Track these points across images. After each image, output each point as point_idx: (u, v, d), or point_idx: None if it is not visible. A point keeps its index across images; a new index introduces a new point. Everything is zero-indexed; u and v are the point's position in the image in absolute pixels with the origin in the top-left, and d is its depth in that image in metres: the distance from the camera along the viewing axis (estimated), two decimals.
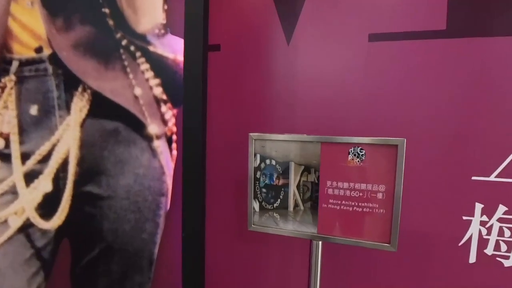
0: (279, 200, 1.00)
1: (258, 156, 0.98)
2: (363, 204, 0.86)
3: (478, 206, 0.96)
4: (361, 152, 0.86)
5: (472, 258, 0.98)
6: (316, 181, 0.93)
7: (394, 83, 1.05)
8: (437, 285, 1.03)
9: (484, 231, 0.96)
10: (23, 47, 0.94)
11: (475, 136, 0.96)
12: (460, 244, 0.96)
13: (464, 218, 0.95)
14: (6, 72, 0.95)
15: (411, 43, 1.03)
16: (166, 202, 0.94)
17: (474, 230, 0.98)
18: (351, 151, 0.87)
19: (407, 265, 1.07)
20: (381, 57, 1.07)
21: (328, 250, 0.98)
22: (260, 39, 1.18)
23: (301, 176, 0.96)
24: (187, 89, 0.87)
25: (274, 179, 1.00)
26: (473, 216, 0.96)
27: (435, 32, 0.98)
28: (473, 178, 0.96)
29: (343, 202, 0.88)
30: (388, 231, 0.83)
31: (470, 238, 0.94)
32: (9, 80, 0.94)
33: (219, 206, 1.08)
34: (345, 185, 0.88)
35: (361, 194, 0.86)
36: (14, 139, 0.95)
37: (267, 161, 0.99)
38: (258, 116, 1.17)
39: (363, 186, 0.86)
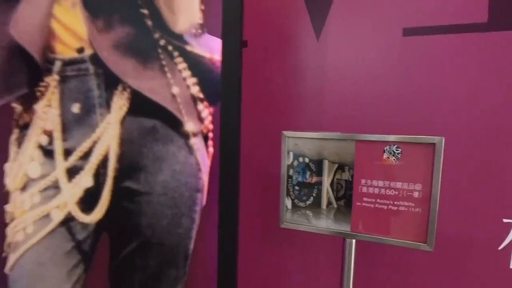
0: (312, 198, 1.00)
1: (291, 153, 0.98)
2: (398, 203, 0.85)
3: None
4: (397, 150, 0.85)
5: None
6: (350, 179, 0.93)
7: (430, 79, 1.04)
8: None
9: None
10: (66, 48, 0.96)
11: None
12: (500, 248, 0.94)
13: (505, 220, 0.93)
14: (49, 72, 0.97)
15: (448, 37, 1.00)
16: (202, 198, 0.95)
17: None
18: (386, 149, 0.86)
19: (442, 267, 1.06)
20: (416, 52, 1.05)
21: (361, 249, 0.96)
22: (288, 35, 1.18)
23: (334, 174, 0.96)
24: (224, 87, 0.88)
25: (307, 177, 1.01)
26: None
27: (475, 25, 0.95)
28: None
29: (378, 200, 0.87)
30: (425, 230, 0.82)
31: (511, 242, 0.93)
32: (52, 79, 0.97)
33: (250, 203, 1.10)
34: (380, 183, 0.87)
35: (396, 192, 0.85)
36: (57, 136, 0.97)
37: (300, 159, 0.99)
38: (289, 113, 1.18)
39: (399, 184, 0.85)
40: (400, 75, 1.08)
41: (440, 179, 0.79)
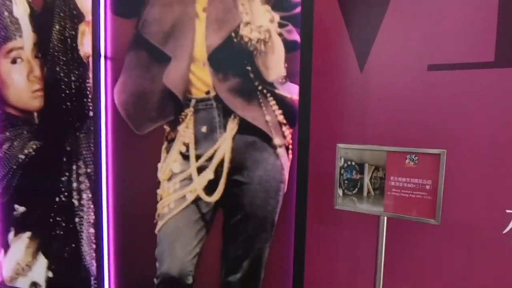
0: (356, 188, 1.37)
1: (342, 159, 1.37)
2: (416, 193, 1.21)
3: None
4: (415, 158, 1.21)
5: None
6: (383, 176, 1.28)
7: (446, 105, 1.35)
8: (480, 261, 1.32)
9: None
10: (198, 91, 1.39)
11: None
12: (504, 232, 1.23)
13: (508, 211, 1.22)
14: (187, 106, 1.40)
15: (464, 72, 1.32)
16: (284, 187, 1.36)
17: None
18: (408, 157, 1.23)
19: (453, 244, 1.38)
20: (436, 83, 1.39)
21: (390, 225, 1.29)
22: (335, 67, 1.52)
23: (372, 172, 1.32)
24: (300, 116, 1.33)
25: (353, 174, 1.38)
26: None
27: (483, 63, 1.27)
28: None
29: (402, 191, 1.23)
30: (434, 210, 1.17)
31: None
32: (190, 111, 1.40)
33: (315, 191, 1.44)
34: (403, 179, 1.23)
35: (414, 185, 1.20)
36: (192, 146, 1.40)
37: (349, 162, 1.37)
38: (340, 130, 1.52)
39: (416, 180, 1.21)
40: (422, 101, 1.39)
41: (444, 177, 1.12)
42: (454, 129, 1.36)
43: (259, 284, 1.40)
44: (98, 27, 1.50)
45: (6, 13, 2.01)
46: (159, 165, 1.50)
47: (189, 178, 1.45)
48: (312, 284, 1.49)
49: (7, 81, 2.04)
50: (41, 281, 2.11)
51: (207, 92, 1.40)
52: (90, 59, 1.84)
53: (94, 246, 1.99)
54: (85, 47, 1.88)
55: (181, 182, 1.46)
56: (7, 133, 2.10)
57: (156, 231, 1.53)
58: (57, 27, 1.94)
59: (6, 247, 2.18)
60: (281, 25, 1.30)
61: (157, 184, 1.51)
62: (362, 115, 1.54)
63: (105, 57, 1.48)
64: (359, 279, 1.55)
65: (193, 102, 1.42)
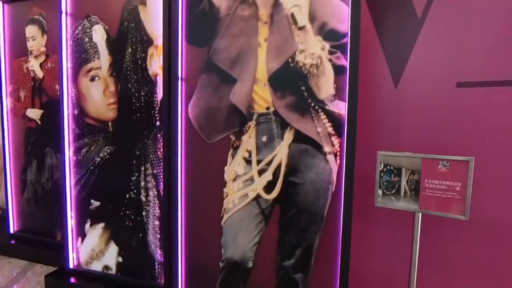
0: (394, 189, 1.53)
1: (382, 163, 1.55)
2: (447, 193, 1.35)
3: None
4: (447, 164, 1.36)
5: None
6: (418, 179, 1.42)
7: (475, 118, 1.53)
8: (506, 254, 1.51)
9: None
10: (259, 107, 1.58)
11: None
12: None
13: None
14: (250, 119, 1.59)
15: (490, 89, 1.50)
16: (332, 187, 1.52)
17: None
18: (440, 163, 1.38)
19: (480, 239, 1.55)
20: (465, 99, 1.55)
21: (423, 221, 1.45)
22: (373, 85, 1.72)
23: (408, 175, 1.49)
24: (347, 128, 1.53)
25: (392, 177, 1.56)
26: None
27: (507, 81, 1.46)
28: None
29: (435, 191, 1.37)
30: (463, 208, 1.31)
31: None
32: (252, 123, 1.59)
33: (359, 191, 1.60)
34: (436, 181, 1.38)
35: (446, 187, 1.35)
36: (254, 152, 1.59)
37: (388, 167, 1.54)
38: (380, 138, 1.70)
39: (448, 182, 1.36)
40: (452, 115, 1.56)
41: (472, 180, 1.28)
42: (482, 139, 1.52)
43: (310, 269, 1.60)
44: (175, 53, 1.75)
45: (86, 39, 2.29)
46: (226, 168, 1.70)
47: (251, 179, 1.64)
48: (355, 269, 1.68)
49: (87, 96, 2.32)
50: (112, 265, 2.35)
51: (267, 108, 1.59)
52: (159, 78, 2.09)
53: (158, 236, 2.22)
54: (153, 67, 2.14)
55: (244, 182, 1.66)
56: (86, 139, 2.36)
57: (222, 223, 1.73)
58: (129, 50, 2.21)
59: (83, 235, 2.42)
60: (331, 52, 1.50)
61: (224, 184, 1.72)
62: (398, 126, 1.72)
63: (181, 78, 1.74)
64: (396, 267, 1.73)
65: (255, 116, 1.62)
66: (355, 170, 1.50)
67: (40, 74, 2.85)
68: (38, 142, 2.91)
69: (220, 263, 1.71)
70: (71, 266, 2.41)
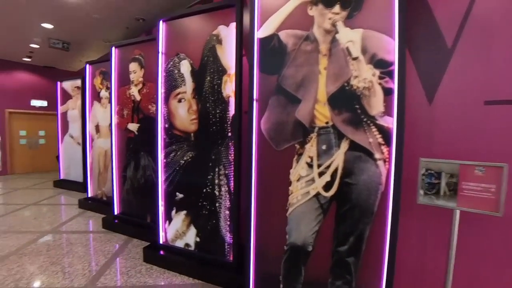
0: (434, 189, 1.50)
1: (424, 168, 1.51)
2: (483, 194, 1.37)
3: None
4: (483, 169, 1.39)
5: None
6: (457, 182, 1.43)
7: (507, 130, 1.50)
8: None
9: None
10: (320, 121, 1.68)
11: None
12: None
13: None
14: (312, 131, 1.69)
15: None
16: (381, 187, 1.57)
17: None
18: (476, 168, 1.40)
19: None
20: (492, 115, 1.54)
21: (461, 218, 1.47)
22: (410, 102, 1.71)
23: (448, 178, 1.46)
24: (396, 139, 1.51)
25: (433, 179, 1.51)
26: None
27: None
28: None
29: (471, 192, 1.40)
30: (497, 206, 1.32)
31: None
32: (314, 135, 1.69)
33: (405, 190, 1.63)
34: (473, 184, 1.41)
35: (482, 188, 1.37)
36: (315, 158, 1.70)
37: (429, 171, 1.51)
38: (423, 147, 1.68)
39: (483, 184, 1.38)
40: (484, 127, 1.55)
41: (506, 183, 1.30)
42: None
43: (361, 254, 1.58)
44: (251, 80, 1.80)
45: (176, 71, 2.43)
46: (291, 170, 1.80)
47: (312, 180, 1.71)
48: (399, 254, 1.62)
49: (175, 113, 2.46)
50: (192, 243, 2.47)
51: (327, 122, 1.67)
52: (231, 99, 2.14)
53: (228, 223, 2.26)
54: (226, 91, 2.21)
55: (306, 182, 1.73)
56: (173, 146, 2.50)
57: (287, 214, 1.82)
58: (208, 78, 2.32)
59: (170, 219, 2.57)
60: (380, 77, 1.50)
61: (289, 183, 1.79)
62: (434, 136, 1.66)
63: (256, 100, 1.77)
64: (434, 257, 1.66)
65: (316, 129, 1.70)
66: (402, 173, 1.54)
67: (138, 97, 3.06)
68: (135, 148, 3.11)
69: (285, 246, 1.74)
70: (161, 241, 2.51)
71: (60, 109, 5.59)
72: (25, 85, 7.33)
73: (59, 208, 4.34)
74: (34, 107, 7.47)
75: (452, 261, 1.57)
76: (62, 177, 5.76)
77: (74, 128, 5.35)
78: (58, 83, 5.60)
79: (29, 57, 6.65)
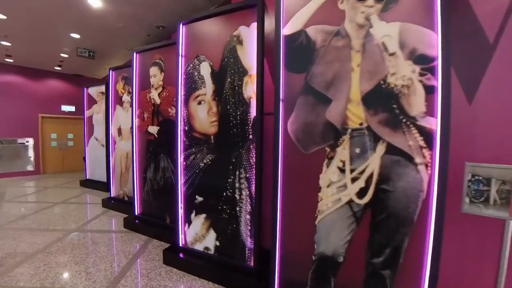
0: (483, 197, 1.28)
1: (470, 174, 1.28)
2: None
3: None
4: None
5: None
6: (509, 189, 1.20)
7: None
8: None
9: None
10: (353, 123, 1.49)
11: None
12: None
13: None
14: (344, 133, 1.51)
15: None
16: (423, 195, 1.36)
17: None
18: None
19: None
20: None
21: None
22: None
23: (499, 185, 1.23)
24: (440, 143, 1.27)
25: (481, 186, 1.29)
26: None
27: None
28: None
29: None
30: None
31: None
32: (346, 137, 1.51)
33: (449, 198, 1.35)
34: None
35: None
36: (347, 162, 1.51)
37: (476, 177, 1.29)
38: (469, 151, 1.46)
39: None
40: None
41: None
42: None
43: (398, 267, 1.35)
44: (277, 79, 1.60)
45: (195, 73, 2.27)
46: (321, 175, 1.61)
47: (344, 186, 1.53)
48: (442, 269, 1.39)
49: (195, 115, 2.31)
50: (211, 247, 2.30)
51: (361, 124, 1.48)
52: (252, 100, 1.94)
53: (249, 227, 2.06)
54: (247, 92, 2.01)
55: (338, 188, 1.55)
56: (193, 149, 2.34)
57: (316, 222, 1.63)
58: (228, 79, 2.14)
59: (189, 222, 2.41)
60: (421, 74, 1.28)
61: (319, 189, 1.61)
62: (480, 138, 1.43)
63: (282, 100, 1.56)
64: (480, 271, 1.41)
65: (349, 131, 1.52)
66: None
67: (158, 101, 2.93)
68: (155, 150, 2.99)
69: (313, 256, 1.52)
70: (180, 244, 2.32)
71: (86, 113, 5.64)
72: (56, 91, 7.62)
73: (84, 207, 4.35)
74: (63, 112, 7.82)
75: (503, 277, 1.32)
76: (87, 177, 5.85)
77: (99, 131, 5.43)
78: (85, 89, 5.64)
79: (59, 65, 6.74)
